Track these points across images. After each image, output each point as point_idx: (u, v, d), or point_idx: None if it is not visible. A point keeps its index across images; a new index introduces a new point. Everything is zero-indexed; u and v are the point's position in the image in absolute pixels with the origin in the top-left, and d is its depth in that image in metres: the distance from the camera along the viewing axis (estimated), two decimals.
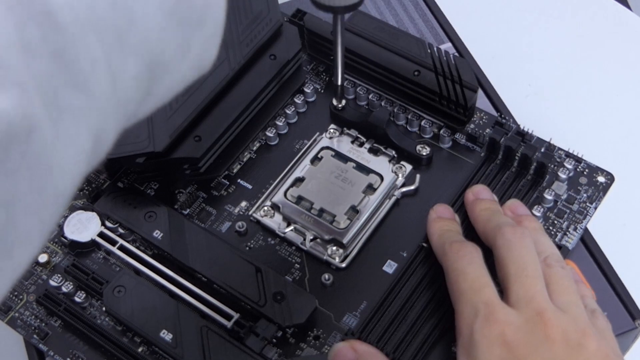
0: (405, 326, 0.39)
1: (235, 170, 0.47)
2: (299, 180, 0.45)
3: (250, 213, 0.45)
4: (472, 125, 0.47)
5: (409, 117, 0.47)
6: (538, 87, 0.55)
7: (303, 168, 0.45)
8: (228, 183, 0.46)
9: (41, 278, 0.43)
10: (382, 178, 0.45)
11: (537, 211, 0.43)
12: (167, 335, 0.39)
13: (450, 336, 0.40)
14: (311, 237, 0.43)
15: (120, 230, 0.44)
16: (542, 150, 0.45)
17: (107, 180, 0.46)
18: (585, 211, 0.44)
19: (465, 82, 0.45)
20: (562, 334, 0.34)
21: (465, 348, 0.35)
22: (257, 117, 0.48)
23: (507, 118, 0.47)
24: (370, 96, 0.48)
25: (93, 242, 0.43)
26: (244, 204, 0.45)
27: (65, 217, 0.43)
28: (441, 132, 0.47)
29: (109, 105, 0.25)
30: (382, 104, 0.48)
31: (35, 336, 0.41)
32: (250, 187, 0.46)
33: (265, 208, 0.44)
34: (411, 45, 0.48)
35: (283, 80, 0.49)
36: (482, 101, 0.50)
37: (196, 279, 0.41)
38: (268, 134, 0.47)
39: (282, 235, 0.44)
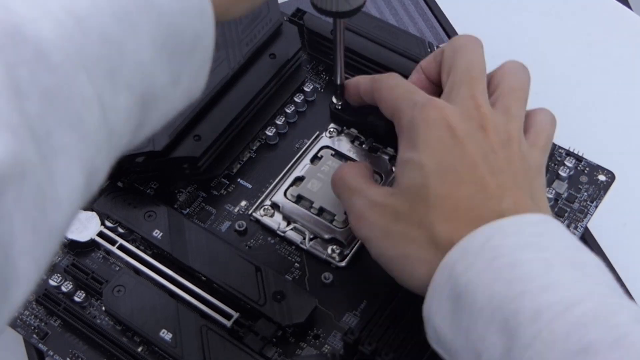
0: (405, 326, 0.39)
1: (235, 170, 0.47)
2: (299, 180, 0.45)
3: (250, 212, 0.45)
4: None
5: None
6: (538, 86, 0.55)
7: (303, 167, 0.45)
8: (228, 182, 0.46)
9: (41, 278, 0.43)
10: (382, 177, 0.45)
11: None
12: (166, 335, 0.39)
13: None
14: (311, 236, 0.43)
15: (120, 230, 0.44)
16: None
17: (106, 180, 0.46)
18: (585, 210, 0.44)
19: None
20: (496, 128, 0.36)
21: (405, 133, 0.37)
22: (257, 116, 0.47)
23: None
24: None
25: (93, 242, 0.43)
26: (243, 203, 0.45)
27: None
28: None
29: (101, 141, 0.26)
30: None
31: (34, 336, 0.41)
32: (250, 186, 0.46)
33: (265, 207, 0.44)
34: (411, 44, 0.48)
35: (283, 79, 0.49)
36: None
37: (196, 279, 0.41)
38: (268, 133, 0.47)
39: (282, 234, 0.44)
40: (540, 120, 0.39)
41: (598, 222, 0.44)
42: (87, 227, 0.43)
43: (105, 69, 0.25)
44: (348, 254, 0.43)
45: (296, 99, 0.49)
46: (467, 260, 0.32)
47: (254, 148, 0.48)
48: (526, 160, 0.36)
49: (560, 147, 0.46)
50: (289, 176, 0.45)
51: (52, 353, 0.41)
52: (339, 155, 0.46)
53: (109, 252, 0.43)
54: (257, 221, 0.44)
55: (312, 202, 0.44)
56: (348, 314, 0.41)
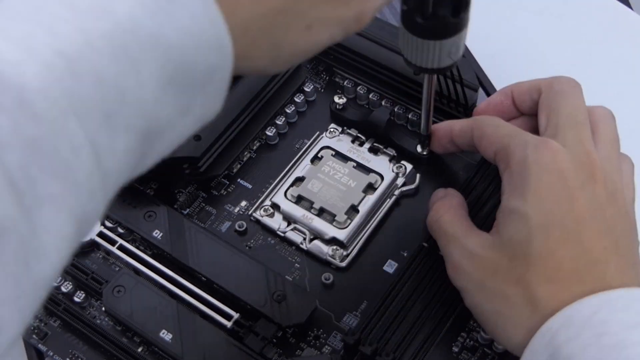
0: (406, 326, 0.39)
1: (235, 170, 0.47)
2: (299, 180, 0.45)
3: (250, 213, 0.45)
4: None
5: (410, 116, 0.47)
6: None
7: (303, 167, 0.45)
8: (228, 182, 0.46)
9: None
10: (382, 177, 0.45)
11: None
12: (166, 335, 0.39)
13: (451, 336, 0.39)
14: (311, 237, 0.43)
15: (120, 230, 0.43)
16: None
17: None
18: None
19: (466, 81, 0.45)
20: (604, 178, 0.35)
21: (513, 176, 0.35)
22: (257, 116, 0.47)
23: None
24: (370, 95, 0.48)
25: (92, 242, 0.43)
26: (243, 203, 0.45)
27: None
28: None
29: (94, 186, 0.24)
30: (383, 103, 0.48)
31: (34, 336, 0.41)
32: (250, 186, 0.46)
33: (265, 207, 0.44)
34: None
35: (283, 79, 0.49)
36: (482, 100, 0.50)
37: (196, 279, 0.41)
38: (268, 133, 0.47)
39: (282, 234, 0.43)
40: (627, 169, 0.38)
41: None
42: None
43: (101, 112, 0.23)
44: (348, 255, 0.43)
45: (296, 99, 0.49)
46: (571, 330, 0.31)
47: (254, 148, 0.47)
48: (628, 218, 0.35)
49: None
50: (289, 176, 0.45)
51: (51, 353, 0.41)
52: (339, 155, 0.46)
53: (108, 253, 0.43)
54: (257, 221, 0.44)
55: (312, 203, 0.44)
56: (348, 315, 0.41)
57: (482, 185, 0.44)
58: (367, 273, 0.42)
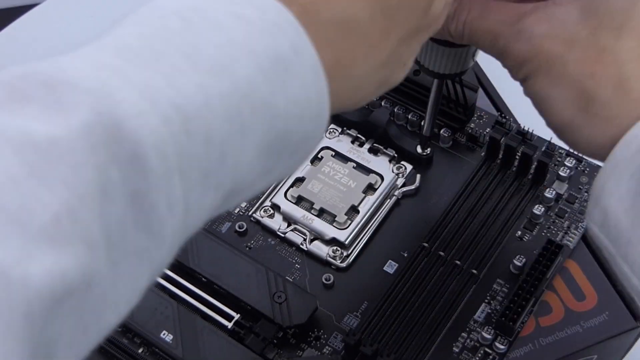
0: (406, 326, 0.39)
1: None
2: (299, 180, 0.45)
3: (250, 213, 0.45)
4: (472, 125, 0.47)
5: (409, 116, 0.47)
6: None
7: (303, 168, 0.45)
8: None
9: None
10: (382, 178, 0.45)
11: (538, 210, 0.43)
12: (167, 336, 0.39)
13: (451, 336, 0.39)
14: (311, 238, 0.43)
15: None
16: (543, 149, 0.45)
17: None
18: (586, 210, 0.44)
19: (466, 82, 0.45)
20: None
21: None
22: None
23: (507, 117, 0.46)
24: None
25: None
26: (244, 204, 0.45)
27: None
28: (441, 131, 0.47)
29: (177, 239, 0.23)
30: (382, 103, 0.48)
31: None
32: None
33: (266, 208, 0.44)
34: None
35: None
36: (482, 100, 0.50)
37: (196, 280, 0.41)
38: None
39: (283, 235, 0.43)
40: None
41: None
42: None
43: (201, 171, 0.23)
44: (349, 255, 0.43)
45: None
46: None
47: None
48: None
49: (560, 148, 0.46)
50: (289, 177, 0.45)
51: None
52: (339, 155, 0.46)
53: None
54: (258, 222, 0.44)
55: (312, 203, 0.44)
56: (349, 315, 0.41)
57: (482, 185, 0.44)
58: (367, 273, 0.42)
